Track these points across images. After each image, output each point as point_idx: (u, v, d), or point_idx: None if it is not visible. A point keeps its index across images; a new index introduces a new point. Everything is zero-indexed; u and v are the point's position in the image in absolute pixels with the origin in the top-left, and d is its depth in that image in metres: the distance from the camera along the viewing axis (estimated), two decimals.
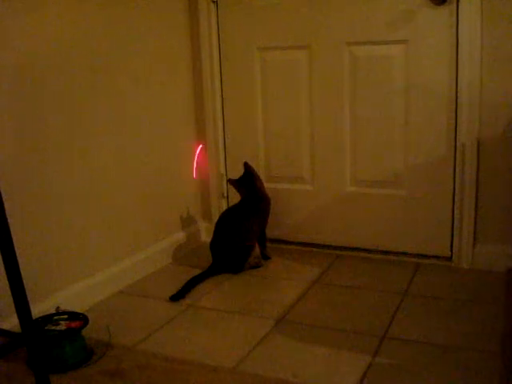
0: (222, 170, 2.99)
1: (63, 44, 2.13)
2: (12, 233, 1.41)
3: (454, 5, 2.36)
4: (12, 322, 1.78)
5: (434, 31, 2.43)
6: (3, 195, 1.40)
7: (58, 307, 1.98)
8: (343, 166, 2.73)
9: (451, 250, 2.57)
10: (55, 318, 1.92)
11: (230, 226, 2.61)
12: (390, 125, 2.59)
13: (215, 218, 2.81)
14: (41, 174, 2.07)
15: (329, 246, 2.83)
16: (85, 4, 2.22)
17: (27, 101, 2.00)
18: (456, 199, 2.51)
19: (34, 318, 1.50)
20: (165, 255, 2.76)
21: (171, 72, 2.78)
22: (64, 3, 2.13)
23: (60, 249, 2.17)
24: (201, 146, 2.89)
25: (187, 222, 2.95)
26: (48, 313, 1.94)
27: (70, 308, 2.01)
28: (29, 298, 1.45)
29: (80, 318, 1.92)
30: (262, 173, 2.89)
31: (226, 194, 3.00)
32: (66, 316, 1.93)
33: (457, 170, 2.48)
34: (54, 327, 1.86)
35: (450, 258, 2.58)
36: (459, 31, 2.37)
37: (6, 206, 1.41)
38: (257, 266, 2.65)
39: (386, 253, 2.71)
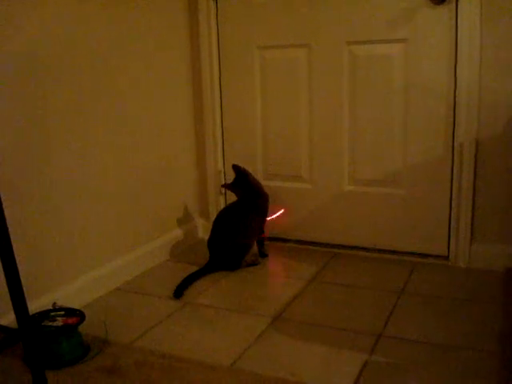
0: (220, 168, 2.99)
1: (63, 44, 2.13)
2: (9, 229, 1.41)
3: (454, 4, 2.36)
4: (9, 318, 1.77)
5: (434, 30, 2.43)
6: (1, 192, 1.40)
7: (54, 303, 1.98)
8: (342, 164, 2.73)
9: (448, 249, 2.58)
10: (52, 313, 1.91)
11: (227, 223, 2.60)
12: (388, 124, 2.59)
13: (213, 216, 2.80)
14: (38, 172, 2.06)
15: (326, 245, 2.83)
16: (85, 4, 2.21)
17: (27, 100, 1.99)
18: (453, 198, 2.51)
19: (30, 314, 1.50)
20: (162, 252, 2.76)
21: (170, 70, 2.77)
22: (63, 3, 2.12)
23: (57, 245, 2.16)
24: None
25: (185, 219, 2.95)
26: (45, 309, 1.94)
27: (67, 304, 2.01)
28: (26, 294, 1.44)
29: (77, 314, 1.92)
30: (260, 171, 2.89)
31: (223, 192, 3.00)
32: (62, 312, 1.93)
33: (455, 169, 2.49)
34: (50, 323, 1.85)
35: (447, 257, 2.59)
36: (458, 30, 2.37)
37: (5, 202, 1.41)
38: (254, 264, 2.65)
39: (384, 251, 2.71)
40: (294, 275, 2.55)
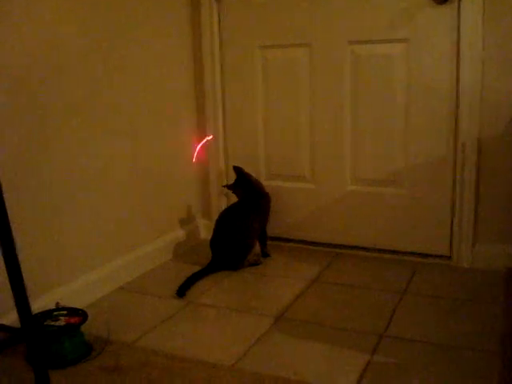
0: (222, 168, 2.99)
1: (60, 39, 2.13)
2: (12, 228, 1.41)
3: (456, 4, 2.36)
4: (11, 318, 1.77)
5: (436, 30, 2.43)
6: (4, 191, 1.40)
7: (57, 303, 1.98)
8: (344, 164, 2.73)
9: (451, 250, 2.58)
10: (55, 313, 1.92)
11: (230, 223, 2.61)
12: (390, 124, 2.59)
13: (215, 216, 2.80)
14: (41, 172, 2.07)
15: (328, 245, 2.83)
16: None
17: (26, 99, 2.00)
18: (456, 199, 2.51)
19: (33, 313, 1.50)
20: (164, 252, 2.77)
21: (172, 69, 2.78)
22: None
23: (60, 245, 2.17)
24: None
25: (187, 219, 2.95)
26: (47, 308, 1.94)
27: (69, 304, 2.01)
28: (28, 294, 1.45)
29: (79, 313, 1.92)
30: (262, 171, 2.89)
31: (225, 192, 3.00)
32: (65, 312, 1.93)
33: (457, 169, 2.49)
34: (53, 323, 1.86)
35: (449, 258, 2.59)
36: (461, 30, 2.37)
37: (7, 201, 1.41)
38: (256, 264, 2.65)
39: (386, 251, 2.71)
40: (296, 275, 2.55)
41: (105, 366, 1.79)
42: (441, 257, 2.61)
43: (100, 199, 2.35)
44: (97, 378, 1.73)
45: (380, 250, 2.73)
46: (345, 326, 2.06)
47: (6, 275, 1.41)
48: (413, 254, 2.66)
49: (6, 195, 1.41)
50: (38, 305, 1.93)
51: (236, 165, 2.73)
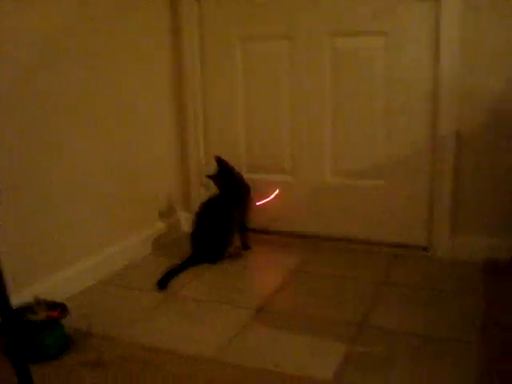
0: (203, 161, 2.99)
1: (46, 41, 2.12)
2: None
3: None
4: None
5: (415, 23, 2.45)
6: None
7: (36, 296, 1.96)
8: (324, 157, 2.74)
9: (429, 240, 2.60)
10: (34, 307, 1.90)
11: (212, 215, 2.61)
12: (370, 116, 2.61)
13: (195, 208, 2.80)
14: (24, 165, 2.05)
15: (309, 236, 2.85)
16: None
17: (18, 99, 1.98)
18: (435, 190, 2.54)
19: (13, 308, 1.49)
20: (145, 245, 2.76)
21: (151, 62, 2.75)
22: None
23: (40, 239, 2.15)
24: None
25: (167, 212, 2.94)
26: (27, 303, 1.93)
27: (49, 298, 2.00)
28: (8, 288, 1.43)
29: (60, 307, 1.91)
30: (242, 163, 2.89)
31: (206, 184, 2.99)
32: (45, 306, 1.91)
33: (436, 161, 2.51)
34: (33, 317, 1.84)
35: (428, 249, 2.62)
36: (440, 24, 2.38)
37: None
38: (236, 256, 2.65)
39: (366, 243, 2.73)
40: (276, 267, 2.56)
41: (86, 361, 1.79)
42: (420, 248, 2.64)
43: (79, 194, 2.34)
44: (78, 373, 1.73)
45: (359, 241, 2.75)
46: (325, 316, 2.07)
47: None
48: (392, 245, 2.68)
49: None
50: (17, 299, 1.91)
51: (217, 155, 2.72)
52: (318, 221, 2.82)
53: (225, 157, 2.73)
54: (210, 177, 2.73)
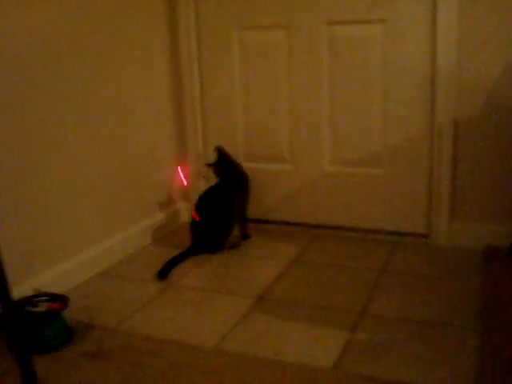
0: (201, 151, 2.99)
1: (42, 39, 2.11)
2: None
3: None
4: None
5: (413, 11, 2.44)
6: None
7: (37, 289, 1.97)
8: (322, 145, 2.74)
9: (429, 228, 2.61)
10: (35, 299, 1.91)
11: (212, 204, 2.61)
12: (368, 104, 2.60)
13: (194, 199, 2.80)
14: (25, 158, 2.05)
15: (308, 225, 2.85)
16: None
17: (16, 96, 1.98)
18: (433, 177, 2.54)
19: (13, 300, 1.49)
20: (145, 236, 2.76)
21: (148, 55, 2.74)
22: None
23: (40, 231, 2.16)
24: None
25: (167, 202, 2.95)
26: (27, 295, 1.93)
27: (50, 290, 2.01)
28: (9, 281, 1.44)
29: (60, 299, 1.92)
30: (241, 153, 2.89)
31: (205, 174, 2.99)
32: (46, 297, 1.92)
33: (434, 148, 2.51)
34: (34, 309, 1.85)
35: (427, 236, 2.62)
36: (437, 11, 2.37)
37: None
38: (236, 246, 2.66)
39: (365, 231, 2.74)
40: (276, 256, 2.56)
41: (87, 351, 1.80)
42: (419, 235, 2.64)
43: (80, 185, 2.34)
44: (79, 364, 1.74)
45: (359, 230, 2.75)
46: (325, 305, 2.08)
47: None
48: (391, 232, 2.69)
49: None
50: (18, 291, 1.92)
51: (218, 145, 2.72)
52: (317, 210, 2.82)
53: (224, 146, 2.73)
54: (209, 165, 2.73)
